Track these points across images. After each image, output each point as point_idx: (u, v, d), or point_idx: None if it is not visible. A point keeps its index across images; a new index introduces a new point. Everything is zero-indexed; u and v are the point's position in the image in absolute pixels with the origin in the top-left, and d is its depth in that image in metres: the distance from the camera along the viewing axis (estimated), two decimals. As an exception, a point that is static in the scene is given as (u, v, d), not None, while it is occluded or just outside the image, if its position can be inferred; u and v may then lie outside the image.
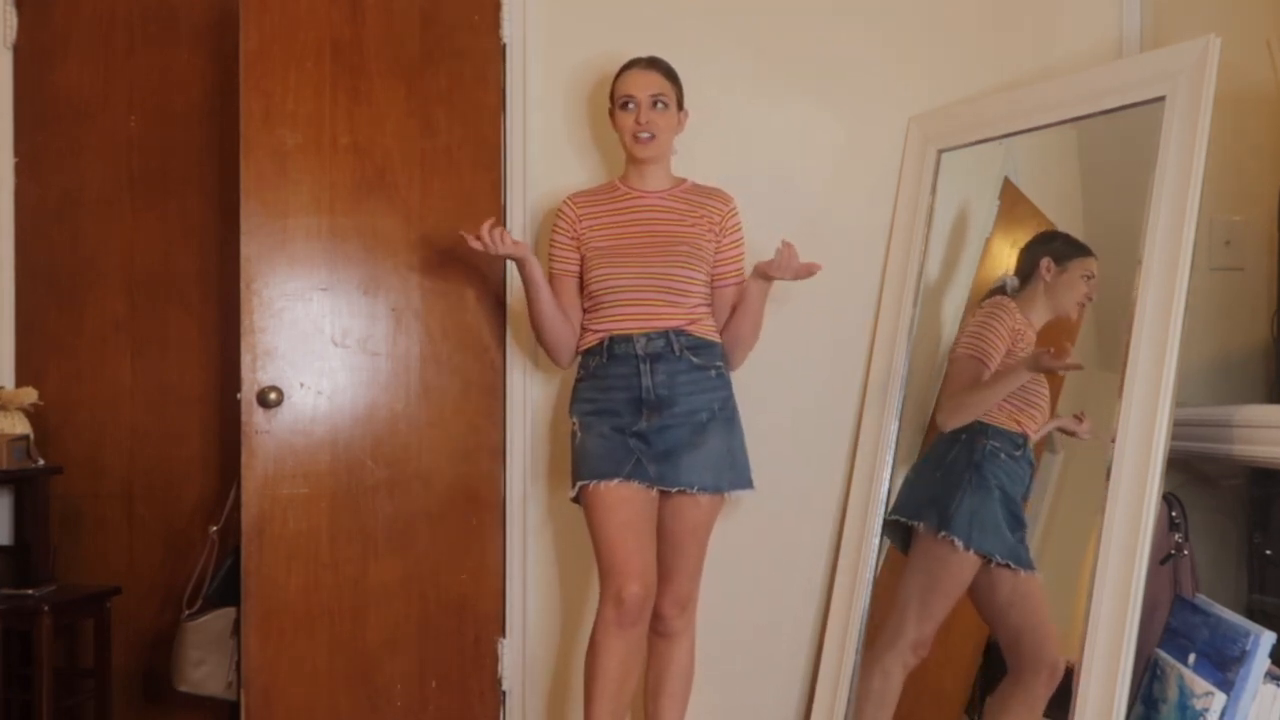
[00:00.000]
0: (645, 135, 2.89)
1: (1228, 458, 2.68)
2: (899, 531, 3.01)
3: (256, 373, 3.07)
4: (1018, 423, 2.78)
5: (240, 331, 3.07)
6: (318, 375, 3.12)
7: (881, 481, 3.10)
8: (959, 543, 2.76)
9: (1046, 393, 2.78)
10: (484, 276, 3.27)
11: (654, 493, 2.80)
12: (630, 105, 2.90)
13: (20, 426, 3.27)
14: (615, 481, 2.76)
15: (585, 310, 2.95)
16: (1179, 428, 2.56)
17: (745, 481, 2.87)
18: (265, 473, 3.06)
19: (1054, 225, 2.96)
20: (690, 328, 2.85)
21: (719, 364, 2.89)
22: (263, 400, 3.05)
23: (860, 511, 3.15)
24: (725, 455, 2.83)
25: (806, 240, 3.25)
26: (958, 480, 2.82)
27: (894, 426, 3.12)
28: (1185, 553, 2.68)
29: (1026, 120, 2.99)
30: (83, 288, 3.49)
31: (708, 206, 2.94)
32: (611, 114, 2.97)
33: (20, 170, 3.48)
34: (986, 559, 2.76)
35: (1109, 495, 2.48)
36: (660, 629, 2.86)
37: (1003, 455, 2.78)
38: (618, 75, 2.96)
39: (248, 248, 3.07)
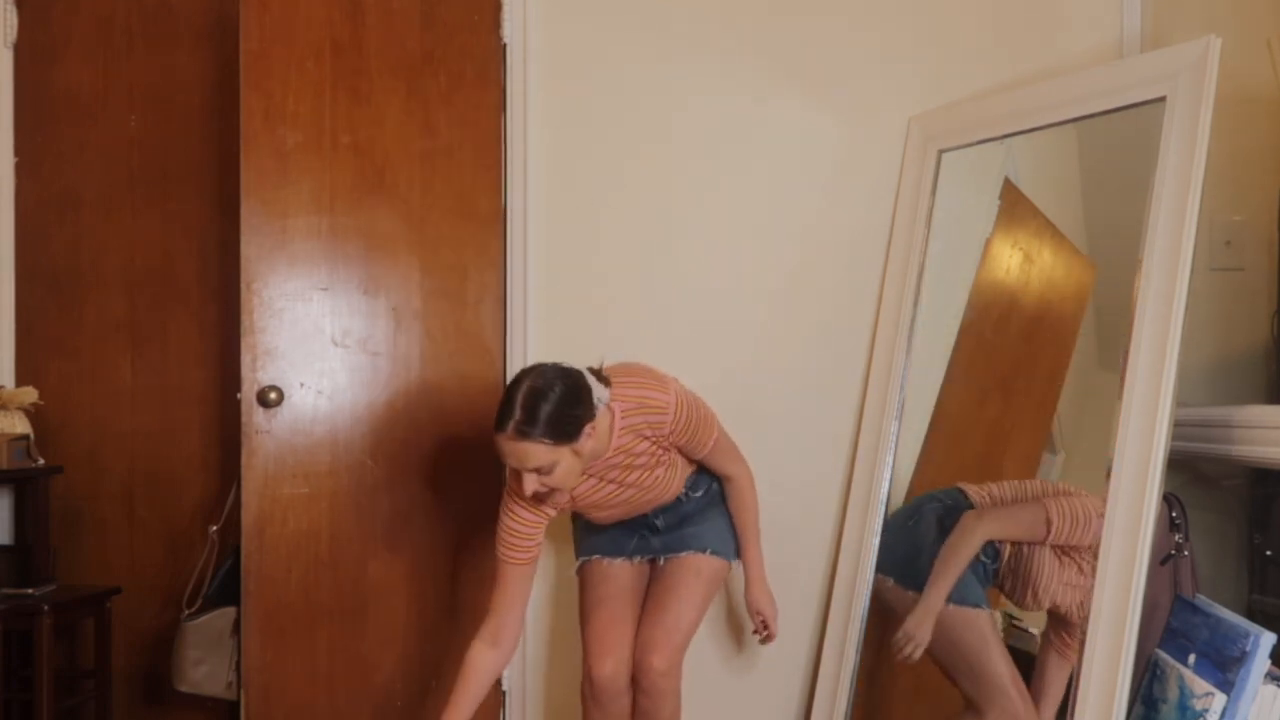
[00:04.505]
0: (545, 495, 2.51)
1: (1228, 458, 2.68)
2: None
3: (256, 372, 3.07)
4: (999, 549, 2.76)
5: (240, 331, 3.07)
6: (318, 375, 3.13)
7: (882, 481, 3.10)
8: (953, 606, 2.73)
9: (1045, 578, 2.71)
10: (484, 277, 3.27)
11: (647, 564, 2.80)
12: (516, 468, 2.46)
13: (20, 426, 3.27)
14: (619, 560, 2.77)
15: None
16: (1179, 428, 2.56)
17: (736, 555, 2.83)
18: (265, 473, 3.06)
19: (1055, 226, 2.96)
20: (686, 487, 2.80)
21: (708, 482, 2.81)
22: (263, 400, 3.05)
23: (860, 511, 3.15)
24: (728, 528, 2.80)
25: (806, 241, 3.27)
26: (925, 539, 2.82)
27: (894, 426, 3.12)
28: (1185, 553, 2.68)
29: (1027, 120, 2.99)
30: (83, 288, 3.49)
31: (648, 434, 2.57)
32: None
33: (20, 170, 3.49)
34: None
35: (1109, 495, 2.48)
36: (645, 685, 2.66)
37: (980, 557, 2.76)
38: (495, 428, 2.42)
39: (248, 247, 3.07)
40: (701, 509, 2.81)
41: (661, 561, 2.78)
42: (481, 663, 2.60)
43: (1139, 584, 2.39)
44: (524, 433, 2.36)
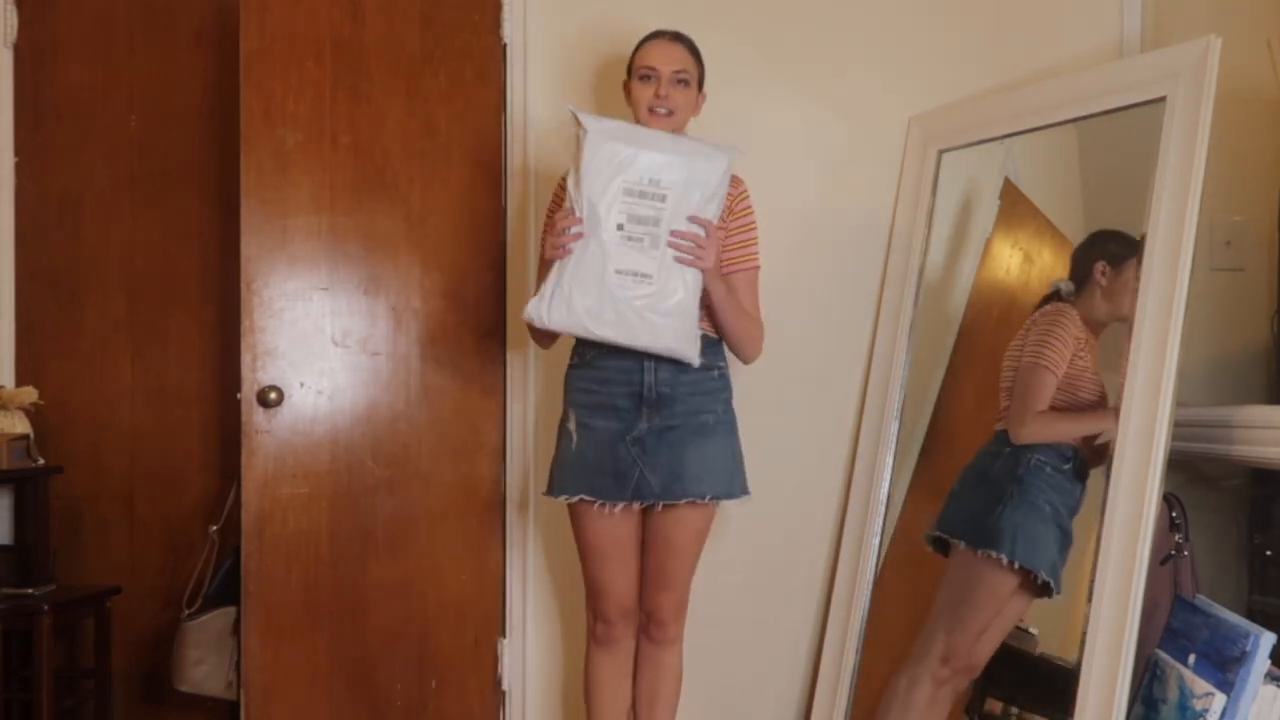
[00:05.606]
0: (662, 110, 2.69)
1: (1228, 458, 2.68)
2: (943, 547, 2.90)
3: (256, 372, 3.07)
4: None
5: (240, 331, 3.07)
6: (318, 375, 3.13)
7: (882, 481, 3.10)
8: (1003, 559, 2.66)
9: (1099, 402, 2.67)
10: (484, 276, 3.27)
11: (645, 507, 2.70)
12: (650, 77, 2.70)
13: (20, 426, 3.27)
14: (618, 508, 2.65)
15: None
16: (1179, 428, 2.56)
17: (744, 488, 2.73)
18: (265, 472, 3.06)
19: (1055, 226, 2.96)
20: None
21: (721, 364, 2.73)
22: (263, 400, 3.05)
23: (860, 511, 3.15)
24: (731, 460, 2.71)
25: (807, 239, 3.27)
26: (1000, 494, 2.73)
27: (894, 426, 3.12)
28: (1185, 553, 2.68)
29: (1027, 120, 2.99)
30: (83, 288, 3.49)
31: None
32: (626, 87, 2.77)
33: (20, 170, 3.48)
34: (1031, 574, 2.68)
35: (1109, 495, 2.48)
36: (657, 636, 2.77)
37: (1048, 469, 2.70)
38: (639, 46, 2.76)
39: (248, 247, 3.07)
40: (701, 400, 2.65)
41: (659, 508, 2.67)
42: None
43: (1139, 584, 2.39)
44: (680, 37, 2.76)
